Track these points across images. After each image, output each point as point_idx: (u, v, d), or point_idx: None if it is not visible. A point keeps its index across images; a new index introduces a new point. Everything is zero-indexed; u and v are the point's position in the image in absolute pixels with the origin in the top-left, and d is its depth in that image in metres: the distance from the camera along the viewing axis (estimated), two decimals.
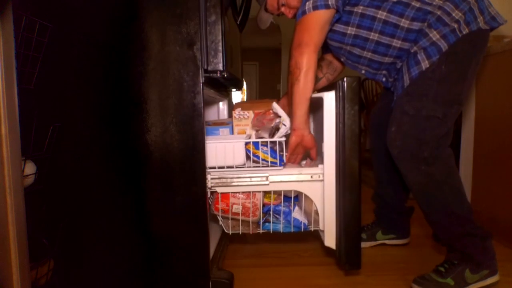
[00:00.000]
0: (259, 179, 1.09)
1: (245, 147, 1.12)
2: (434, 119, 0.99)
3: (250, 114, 1.29)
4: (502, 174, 1.42)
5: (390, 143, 1.05)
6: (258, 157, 1.12)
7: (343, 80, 1.00)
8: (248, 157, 1.14)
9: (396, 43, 1.04)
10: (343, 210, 1.05)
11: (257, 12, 1.28)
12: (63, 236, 0.95)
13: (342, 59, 1.20)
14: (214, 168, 1.11)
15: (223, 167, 1.11)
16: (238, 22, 1.31)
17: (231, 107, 1.49)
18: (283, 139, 1.13)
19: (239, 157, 1.12)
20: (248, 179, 1.09)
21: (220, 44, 0.95)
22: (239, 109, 1.31)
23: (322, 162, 1.10)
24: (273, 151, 1.14)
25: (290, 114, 1.09)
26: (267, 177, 1.08)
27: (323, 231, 1.13)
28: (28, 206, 0.71)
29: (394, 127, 1.04)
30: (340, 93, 1.02)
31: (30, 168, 0.88)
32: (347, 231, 1.05)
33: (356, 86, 1.00)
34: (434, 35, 0.98)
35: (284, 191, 1.16)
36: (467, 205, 1.04)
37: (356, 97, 1.01)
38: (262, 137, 1.16)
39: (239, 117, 1.29)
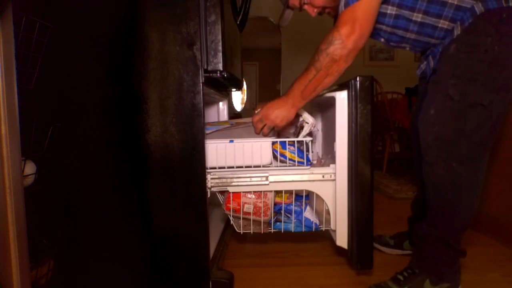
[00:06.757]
0: (258, 179, 1.09)
1: (272, 146, 1.11)
2: (478, 106, 0.88)
3: None
4: (502, 173, 1.43)
5: (426, 128, 0.95)
6: (285, 156, 1.11)
7: (355, 80, 0.99)
8: (275, 157, 1.13)
9: (443, 24, 0.93)
10: (355, 210, 1.04)
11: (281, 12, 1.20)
12: (63, 236, 0.95)
13: (381, 40, 1.09)
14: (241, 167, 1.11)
15: (250, 166, 1.10)
16: (238, 22, 1.31)
17: (231, 107, 1.49)
18: (310, 138, 1.12)
19: (266, 156, 1.11)
20: (248, 179, 1.09)
21: (220, 44, 0.95)
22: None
23: (333, 162, 1.10)
24: (300, 151, 1.13)
25: (290, 89, 1.03)
26: (267, 177, 1.08)
27: (334, 231, 1.13)
28: (28, 206, 0.71)
29: (433, 110, 0.93)
30: (353, 93, 1.01)
31: (30, 168, 0.88)
32: (359, 231, 1.05)
33: (369, 85, 1.00)
34: None
35: (296, 190, 1.16)
36: (468, 222, 0.98)
37: (369, 97, 1.00)
38: (287, 137, 1.15)
39: None
